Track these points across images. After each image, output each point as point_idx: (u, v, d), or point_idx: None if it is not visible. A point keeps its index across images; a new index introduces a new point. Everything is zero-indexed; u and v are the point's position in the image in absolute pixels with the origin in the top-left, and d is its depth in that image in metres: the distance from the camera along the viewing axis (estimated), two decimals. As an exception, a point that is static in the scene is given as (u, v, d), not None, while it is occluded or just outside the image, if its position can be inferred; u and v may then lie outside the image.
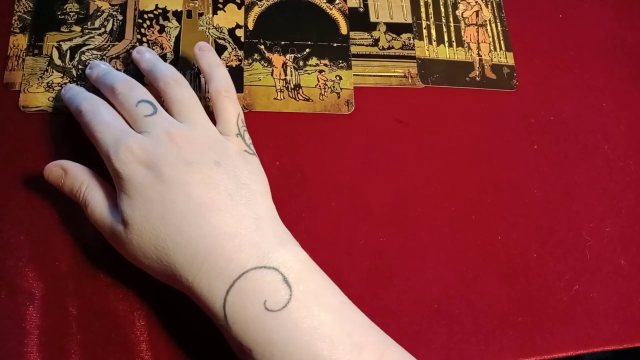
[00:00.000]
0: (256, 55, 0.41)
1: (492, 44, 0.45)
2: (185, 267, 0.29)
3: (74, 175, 0.33)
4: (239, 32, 0.42)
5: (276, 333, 0.28)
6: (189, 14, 0.42)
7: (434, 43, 0.44)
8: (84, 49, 0.40)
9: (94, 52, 0.40)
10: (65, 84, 0.38)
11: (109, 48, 0.40)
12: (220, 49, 0.41)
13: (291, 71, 0.41)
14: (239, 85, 0.40)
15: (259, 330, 0.28)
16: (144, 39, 0.40)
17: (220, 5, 0.42)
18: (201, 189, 0.30)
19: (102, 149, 0.32)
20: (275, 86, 0.41)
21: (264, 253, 0.29)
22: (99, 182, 0.33)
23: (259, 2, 0.43)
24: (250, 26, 0.42)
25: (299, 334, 0.28)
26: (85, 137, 0.33)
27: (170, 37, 0.41)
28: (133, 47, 0.40)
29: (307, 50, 0.42)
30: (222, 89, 0.35)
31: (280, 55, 0.42)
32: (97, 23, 0.40)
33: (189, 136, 0.32)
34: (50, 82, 0.38)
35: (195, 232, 0.29)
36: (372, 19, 0.44)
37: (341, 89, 0.41)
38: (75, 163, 0.34)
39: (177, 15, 0.41)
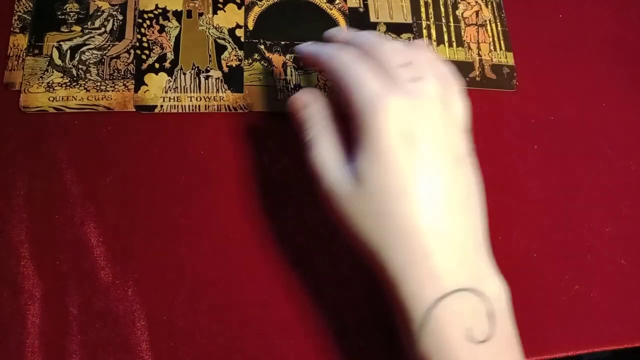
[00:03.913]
0: (256, 55, 0.41)
1: (492, 44, 0.45)
2: (398, 256, 0.27)
3: (310, 114, 0.31)
4: (239, 32, 0.42)
5: None
6: (189, 13, 0.42)
7: (434, 43, 0.44)
8: (84, 48, 0.40)
9: (94, 51, 0.40)
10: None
11: (109, 48, 0.40)
12: (220, 49, 0.41)
13: (291, 71, 0.41)
14: (239, 85, 0.40)
15: (452, 355, 0.26)
16: (144, 39, 0.40)
17: (220, 5, 0.42)
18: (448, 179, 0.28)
19: (357, 104, 0.28)
20: (275, 86, 0.41)
21: (482, 276, 0.28)
22: (331, 128, 0.31)
23: (259, 2, 0.43)
24: (250, 26, 0.42)
25: None
26: (85, 137, 0.33)
27: (170, 37, 0.41)
28: (133, 47, 0.40)
29: (307, 50, 0.42)
30: None
31: (280, 55, 0.42)
32: (97, 23, 0.40)
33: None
34: (51, 82, 0.38)
35: (429, 225, 0.27)
36: (372, 19, 0.44)
37: (341, 89, 0.41)
38: (319, 98, 0.32)
39: (177, 15, 0.41)
